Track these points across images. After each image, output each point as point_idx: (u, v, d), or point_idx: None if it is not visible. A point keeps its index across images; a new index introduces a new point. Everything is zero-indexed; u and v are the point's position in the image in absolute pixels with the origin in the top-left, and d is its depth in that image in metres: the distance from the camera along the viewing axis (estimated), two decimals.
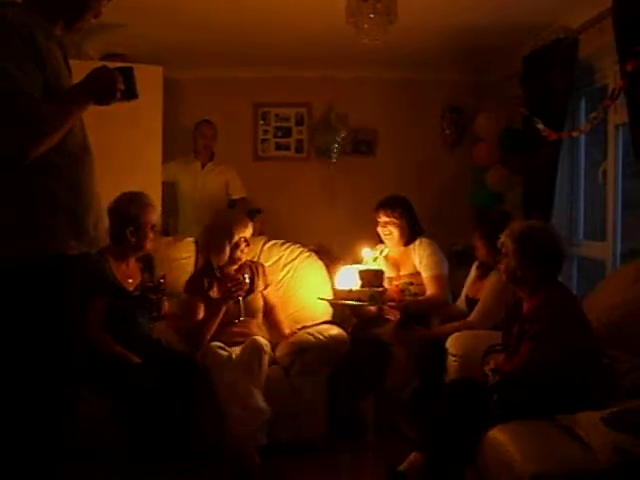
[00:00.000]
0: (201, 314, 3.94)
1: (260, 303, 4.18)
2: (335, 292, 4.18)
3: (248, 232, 4.11)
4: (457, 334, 3.78)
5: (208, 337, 3.85)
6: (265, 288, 4.23)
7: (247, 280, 3.98)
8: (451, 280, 4.54)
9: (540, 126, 4.51)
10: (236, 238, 4.03)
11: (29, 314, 2.15)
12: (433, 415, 3.01)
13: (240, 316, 3.98)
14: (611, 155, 4.27)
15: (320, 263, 4.59)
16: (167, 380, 3.50)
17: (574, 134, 4.41)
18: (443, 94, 6.33)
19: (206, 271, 4.09)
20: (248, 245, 4.11)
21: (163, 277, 3.77)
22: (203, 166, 5.80)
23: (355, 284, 4.11)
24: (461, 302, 4.34)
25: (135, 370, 3.45)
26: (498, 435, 2.76)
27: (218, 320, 3.88)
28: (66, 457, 2.37)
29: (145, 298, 3.74)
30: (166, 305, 3.84)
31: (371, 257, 4.42)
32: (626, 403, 2.68)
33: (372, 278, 4.10)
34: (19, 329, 2.15)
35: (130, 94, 2.27)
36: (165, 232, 4.32)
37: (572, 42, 4.33)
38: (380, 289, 4.08)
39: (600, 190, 4.48)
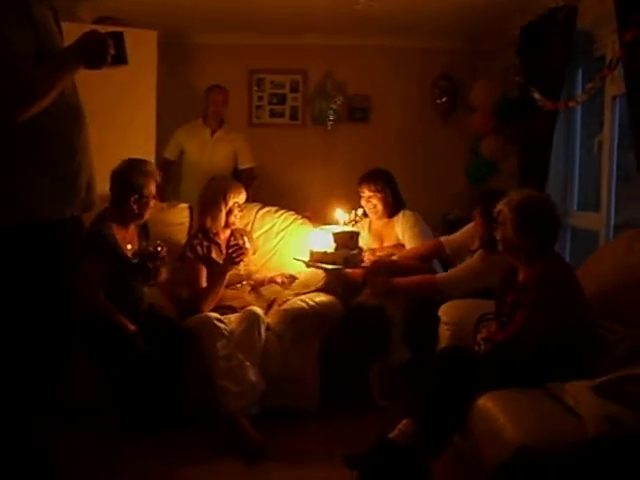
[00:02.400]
0: (204, 279, 3.95)
1: (252, 268, 4.26)
2: (311, 254, 4.17)
3: (242, 198, 4.16)
4: (450, 303, 3.76)
5: (213, 305, 3.87)
6: (253, 254, 4.34)
7: (247, 245, 4.02)
8: None
9: (536, 95, 4.49)
10: (230, 203, 4.09)
11: (22, 279, 2.16)
12: (424, 383, 3.01)
13: (241, 281, 4.06)
14: (607, 126, 4.25)
15: (312, 228, 4.60)
16: (159, 347, 3.54)
17: (570, 104, 4.38)
18: (439, 62, 6.32)
19: (203, 236, 4.11)
20: (242, 210, 4.17)
21: (160, 245, 3.76)
22: (213, 133, 5.64)
23: (330, 246, 4.12)
24: (450, 242, 4.40)
25: (130, 338, 3.49)
26: (488, 403, 2.76)
27: (224, 286, 3.91)
28: (59, 418, 2.42)
29: (143, 265, 3.74)
30: (163, 272, 3.85)
31: (345, 219, 4.39)
32: (617, 373, 2.66)
33: (347, 240, 4.10)
34: (12, 294, 2.16)
35: (120, 59, 2.27)
36: (161, 199, 4.32)
37: (571, 10, 4.28)
38: (355, 251, 4.08)
39: (595, 161, 4.48)
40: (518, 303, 3.02)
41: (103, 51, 2.21)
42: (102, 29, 2.31)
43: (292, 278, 4.24)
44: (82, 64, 2.20)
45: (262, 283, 4.27)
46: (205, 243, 4.07)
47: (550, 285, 2.95)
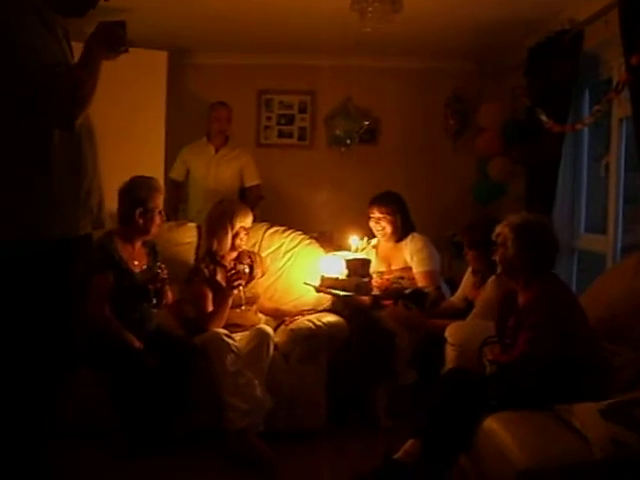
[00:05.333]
0: (210, 302, 3.95)
1: (259, 290, 4.22)
2: (322, 279, 4.12)
3: (248, 221, 4.15)
4: (456, 324, 3.75)
5: (220, 327, 3.87)
6: (262, 276, 4.29)
7: (247, 269, 4.02)
8: (451, 270, 4.56)
9: (543, 117, 4.46)
10: (237, 227, 4.08)
11: (33, 296, 2.18)
12: (430, 403, 3.02)
13: (241, 304, 4.00)
14: (614, 148, 4.23)
15: (321, 251, 4.56)
16: (166, 363, 3.53)
17: (577, 127, 4.34)
18: (447, 83, 6.24)
19: (209, 258, 4.10)
20: (248, 234, 4.16)
21: (160, 267, 3.77)
22: (217, 150, 5.47)
23: (341, 272, 4.08)
24: (457, 298, 4.33)
25: (136, 353, 3.49)
26: (493, 425, 2.75)
27: (227, 309, 3.91)
28: (61, 435, 2.43)
29: (144, 287, 3.74)
30: (169, 294, 3.86)
31: (359, 246, 4.37)
32: (624, 395, 2.67)
33: (359, 267, 4.06)
34: (24, 309, 2.19)
35: (125, 48, 2.34)
36: (167, 217, 4.21)
37: (577, 34, 4.28)
38: (366, 279, 4.04)
39: (602, 183, 4.45)
40: (520, 325, 3.02)
41: (117, 37, 2.29)
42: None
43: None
44: (104, 53, 2.27)
45: (292, 318, 4.17)
46: (211, 266, 4.05)
47: (551, 304, 2.96)
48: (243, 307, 4.01)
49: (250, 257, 4.23)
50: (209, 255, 4.10)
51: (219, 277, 4.01)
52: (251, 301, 4.13)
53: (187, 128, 5.71)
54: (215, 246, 4.09)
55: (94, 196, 2.34)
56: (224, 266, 4.06)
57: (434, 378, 3.42)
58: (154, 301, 3.75)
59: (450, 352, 3.63)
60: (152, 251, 3.94)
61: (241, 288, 3.98)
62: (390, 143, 6.41)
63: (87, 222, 2.32)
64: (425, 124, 6.32)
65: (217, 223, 4.13)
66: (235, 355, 3.62)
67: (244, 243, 4.17)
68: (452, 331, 3.69)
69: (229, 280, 3.93)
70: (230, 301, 3.93)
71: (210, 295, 3.96)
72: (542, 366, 2.86)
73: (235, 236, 4.07)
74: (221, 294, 3.94)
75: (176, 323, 4.08)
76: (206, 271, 4.01)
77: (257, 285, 4.25)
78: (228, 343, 3.65)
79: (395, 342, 4.08)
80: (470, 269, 4.24)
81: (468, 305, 4.12)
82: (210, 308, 3.93)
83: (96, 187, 2.35)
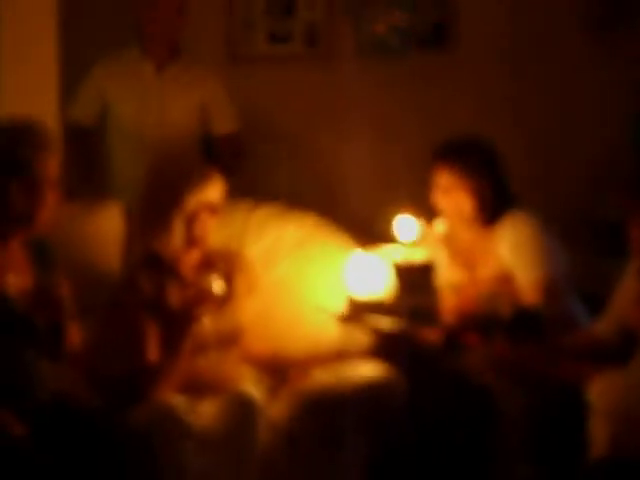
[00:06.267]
0: (154, 342, 3.09)
1: (242, 321, 3.29)
2: (351, 302, 3.22)
3: (215, 195, 3.22)
4: (609, 376, 2.82)
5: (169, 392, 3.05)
6: (247, 294, 3.39)
7: (217, 285, 3.10)
8: (591, 278, 3.55)
9: None
10: (193, 205, 3.15)
11: None
12: None
13: (209, 346, 3.15)
14: None
15: (351, 247, 3.44)
16: (71, 461, 2.66)
17: None
18: None
19: (152, 263, 3.21)
20: (215, 214, 3.23)
21: (56, 282, 2.94)
22: (158, 69, 4.01)
23: (385, 287, 3.16)
24: (606, 326, 3.20)
25: (16, 447, 2.62)
26: None
27: (185, 358, 3.07)
28: None
29: (29, 323, 2.86)
30: (74, 334, 2.99)
31: (416, 237, 3.29)
32: None
33: (417, 277, 3.16)
34: None
35: None
36: (70, 195, 3.35)
37: None
38: (431, 297, 3.16)
39: None
40: None
41: None
42: None
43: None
44: None
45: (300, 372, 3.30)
46: (156, 277, 3.17)
47: None
48: (212, 352, 3.15)
49: (225, 262, 3.29)
50: (151, 258, 3.23)
51: (171, 297, 3.13)
52: (228, 341, 3.20)
53: (101, 28, 4.40)
54: (157, 243, 3.21)
55: None
56: (179, 277, 3.17)
57: (570, 478, 2.82)
58: (48, 346, 2.88)
59: (599, 428, 2.75)
60: (42, 255, 3.04)
61: (208, 318, 3.08)
62: (475, 47, 4.68)
63: None
64: (540, 10, 4.61)
65: (159, 202, 3.24)
66: (197, 443, 2.83)
67: (209, 234, 3.23)
68: (602, 389, 2.80)
69: (187, 304, 3.08)
70: (189, 342, 3.04)
71: (154, 330, 3.07)
72: None
73: (191, 221, 3.15)
74: (173, 329, 3.06)
75: (86, 387, 3.04)
76: (146, 286, 3.13)
77: (238, 312, 3.27)
78: (184, 424, 2.83)
79: (496, 412, 3.02)
80: (634, 271, 3.08)
81: (627, 339, 3.05)
82: (154, 355, 3.07)
83: None
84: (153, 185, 3.40)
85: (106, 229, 3.54)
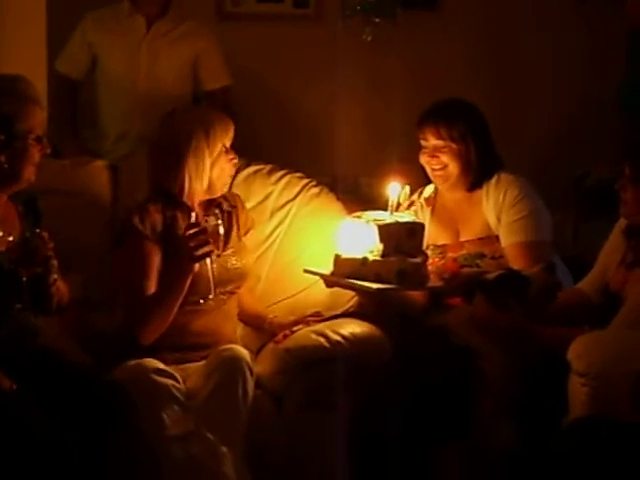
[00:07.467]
0: (154, 276, 2.97)
1: (246, 264, 3.20)
2: (337, 262, 3.13)
3: (229, 138, 3.15)
4: (588, 336, 2.85)
5: (162, 329, 2.92)
6: (246, 233, 3.31)
7: (220, 226, 3.00)
8: (577, 241, 3.63)
9: None
10: (219, 147, 3.08)
11: None
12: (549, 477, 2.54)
13: (208, 293, 3.01)
14: None
15: (339, 208, 3.45)
16: (61, 417, 2.62)
17: None
18: None
19: (161, 198, 3.11)
20: (235, 160, 3.18)
21: (40, 235, 2.75)
22: (149, 26, 3.99)
23: (372, 248, 3.06)
24: (590, 287, 3.23)
25: (5, 402, 2.63)
26: None
27: (180, 298, 2.91)
28: None
29: (16, 276, 2.79)
30: (62, 288, 2.91)
31: (402, 200, 3.29)
32: None
33: (403, 238, 3.08)
34: None
35: None
36: (55, 152, 3.18)
37: None
38: (417, 259, 3.05)
39: None
40: None
41: None
42: None
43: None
44: None
45: (285, 331, 3.16)
46: (166, 209, 3.07)
47: None
48: (211, 296, 3.02)
49: (227, 201, 3.24)
50: (161, 193, 3.13)
51: (180, 230, 3.03)
52: (230, 284, 3.10)
53: None
54: (169, 180, 3.08)
55: None
56: (188, 212, 3.06)
57: (548, 435, 2.73)
58: (34, 300, 2.84)
59: (578, 388, 2.76)
60: (30, 210, 3.01)
61: (208, 262, 2.98)
62: (462, 9, 4.69)
63: None
64: None
65: (173, 142, 3.09)
66: (181, 407, 2.73)
67: (230, 178, 3.23)
68: (581, 349, 2.81)
69: (186, 245, 2.88)
70: (187, 283, 2.92)
71: (157, 259, 2.98)
72: None
73: (214, 164, 3.06)
74: (175, 265, 2.94)
75: (75, 343, 3.07)
76: (157, 215, 3.04)
77: (244, 253, 3.21)
78: (164, 386, 2.74)
79: (477, 369, 3.04)
80: (617, 232, 3.14)
81: (610, 300, 3.11)
82: (152, 285, 2.96)
83: None
84: (169, 133, 3.19)
85: (92, 186, 3.49)
